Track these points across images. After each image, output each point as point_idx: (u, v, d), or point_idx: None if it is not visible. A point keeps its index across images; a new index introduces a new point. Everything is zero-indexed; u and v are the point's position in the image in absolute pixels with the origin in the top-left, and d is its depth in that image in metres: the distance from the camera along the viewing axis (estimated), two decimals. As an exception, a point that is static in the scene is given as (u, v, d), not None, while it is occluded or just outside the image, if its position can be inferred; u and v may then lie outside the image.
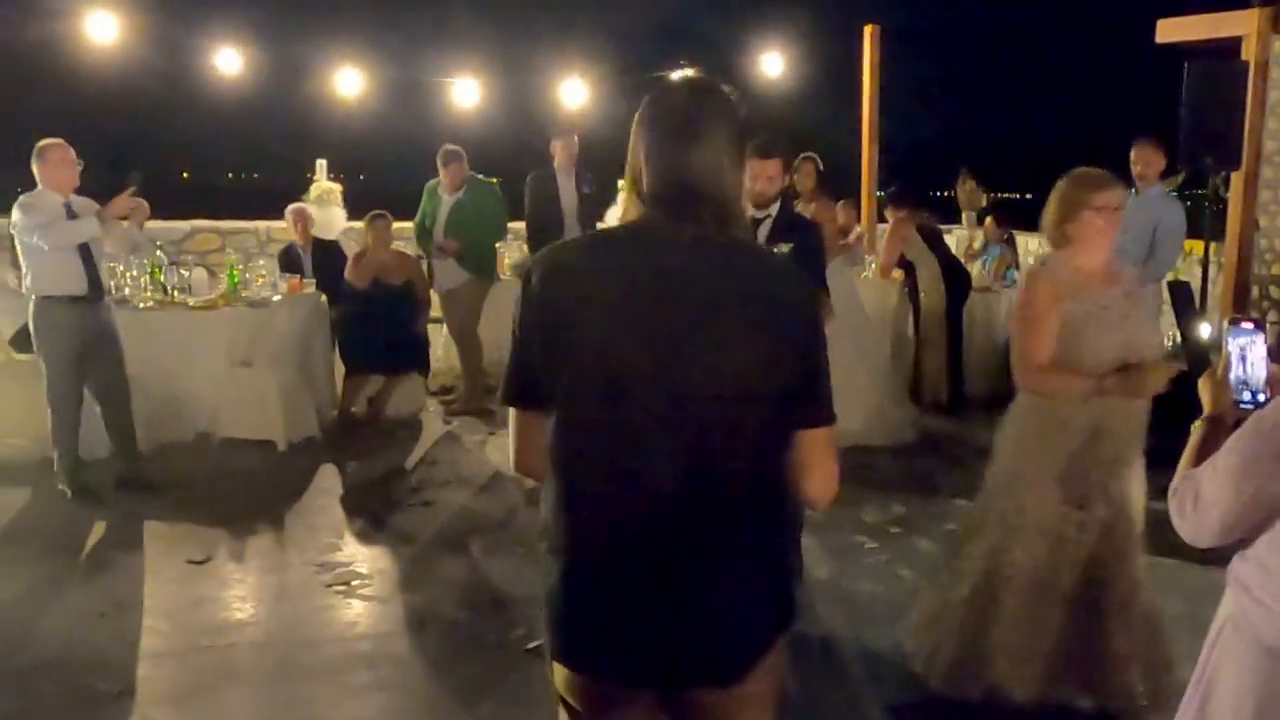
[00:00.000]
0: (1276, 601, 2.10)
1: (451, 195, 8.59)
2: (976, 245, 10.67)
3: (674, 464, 1.96)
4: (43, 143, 6.19)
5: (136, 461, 6.63)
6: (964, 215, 11.97)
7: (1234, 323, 2.41)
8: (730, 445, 1.97)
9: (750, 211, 5.52)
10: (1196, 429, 2.39)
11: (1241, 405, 2.34)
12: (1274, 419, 2.08)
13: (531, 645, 4.55)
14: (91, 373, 6.36)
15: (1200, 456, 2.27)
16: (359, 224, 9.96)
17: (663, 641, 2.02)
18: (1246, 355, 2.38)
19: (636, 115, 2.11)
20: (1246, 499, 2.10)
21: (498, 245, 9.09)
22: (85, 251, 6.16)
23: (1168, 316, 6.60)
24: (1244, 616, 2.18)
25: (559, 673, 2.15)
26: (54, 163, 6.14)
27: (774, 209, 4.80)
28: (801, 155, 8.57)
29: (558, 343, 2.00)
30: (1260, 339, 2.38)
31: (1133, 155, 7.29)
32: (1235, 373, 2.38)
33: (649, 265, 2.01)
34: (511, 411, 2.15)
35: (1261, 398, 2.34)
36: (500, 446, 7.69)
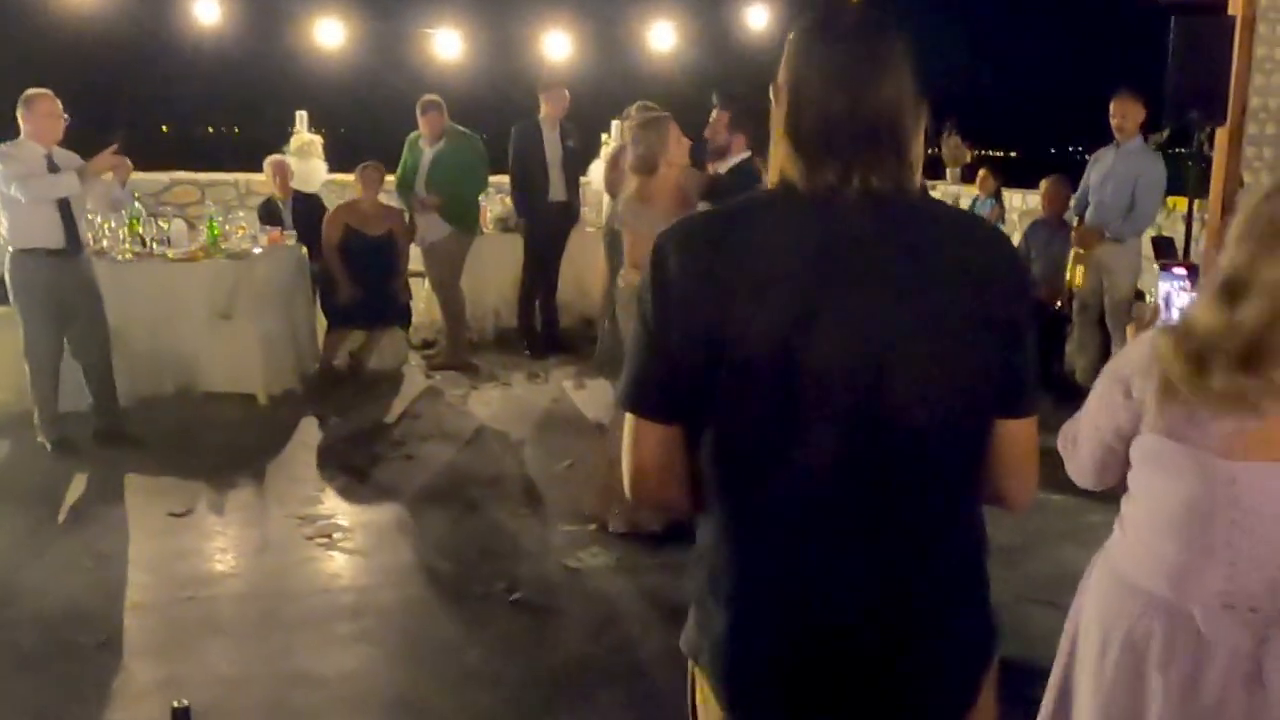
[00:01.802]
0: (1133, 530, 2.17)
1: (431, 147, 8.50)
2: (964, 202, 10.64)
3: (877, 481, 1.63)
4: (30, 92, 6.10)
5: (117, 415, 6.59)
6: (948, 171, 11.95)
7: (1164, 268, 2.41)
8: (936, 451, 1.65)
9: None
10: None
11: None
12: (1125, 358, 2.14)
13: (514, 597, 4.56)
14: (71, 326, 6.30)
15: None
16: (340, 177, 9.90)
17: (869, 700, 1.70)
18: (1172, 301, 2.37)
19: (789, 47, 1.71)
20: (1106, 437, 2.17)
21: (480, 198, 9.01)
22: (64, 205, 6.08)
23: (1150, 272, 6.61)
24: (1112, 546, 2.26)
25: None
26: (40, 114, 6.05)
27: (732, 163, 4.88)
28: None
29: (716, 342, 1.60)
30: (1188, 284, 2.37)
31: (1112, 108, 7.31)
32: (1163, 317, 2.37)
33: (829, 236, 1.62)
34: (631, 422, 1.72)
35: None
36: (484, 400, 7.69)
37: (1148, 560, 2.14)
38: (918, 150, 1.70)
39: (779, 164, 1.70)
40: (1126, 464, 2.17)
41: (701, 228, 1.71)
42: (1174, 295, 2.37)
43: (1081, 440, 2.27)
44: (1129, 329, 2.43)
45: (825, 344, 1.58)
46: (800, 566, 1.66)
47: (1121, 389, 2.12)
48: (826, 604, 1.66)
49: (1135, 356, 2.10)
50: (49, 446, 6.29)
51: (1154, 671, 2.09)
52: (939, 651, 1.71)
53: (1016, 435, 1.72)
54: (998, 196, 10.19)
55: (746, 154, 5.43)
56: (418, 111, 8.50)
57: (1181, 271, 2.40)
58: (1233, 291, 1.97)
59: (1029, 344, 1.71)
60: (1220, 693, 2.03)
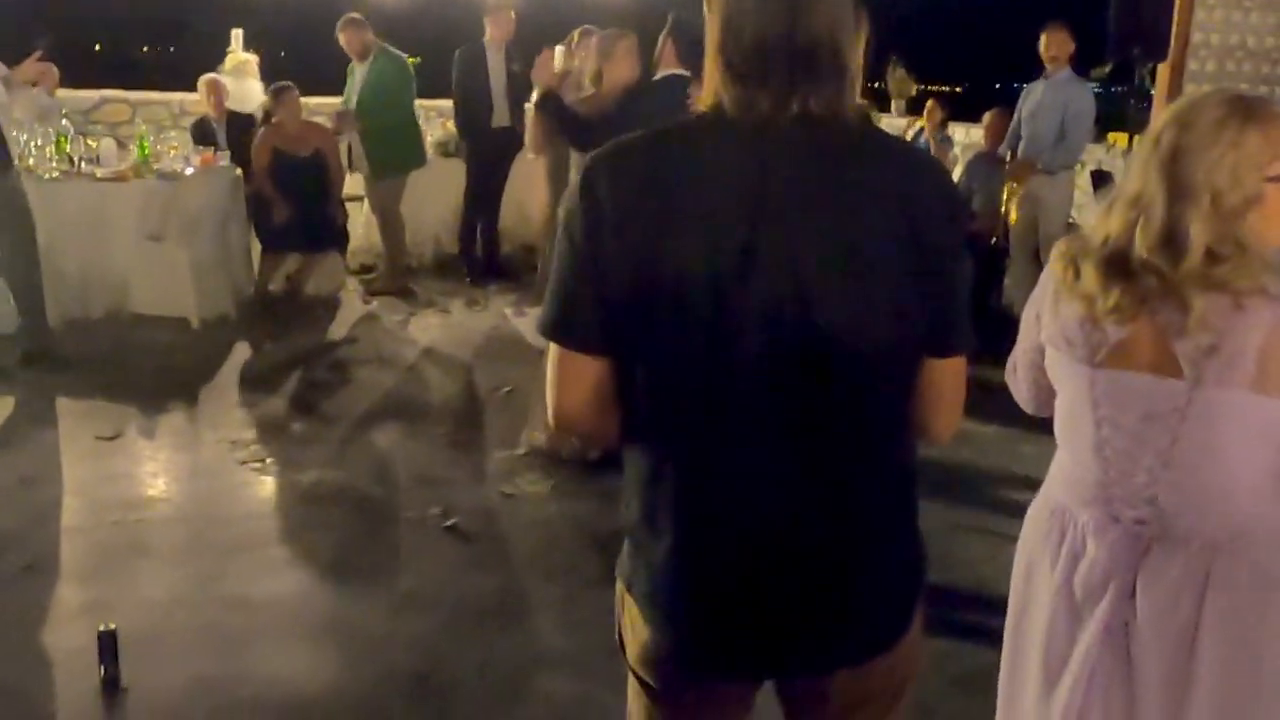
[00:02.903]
0: (1059, 450, 2.21)
1: (360, 68, 8.32)
2: (910, 135, 10.60)
3: (802, 416, 1.61)
4: None
5: (46, 336, 6.42)
6: (893, 104, 11.91)
7: (1098, 176, 2.43)
8: (865, 386, 1.62)
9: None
10: None
11: None
12: (1042, 281, 2.18)
13: (450, 523, 4.54)
14: (2, 246, 6.13)
15: None
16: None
17: (803, 627, 1.69)
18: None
19: None
20: (1033, 358, 2.22)
21: (412, 123, 8.74)
22: None
23: (1090, 207, 6.65)
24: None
25: (644, 657, 1.79)
26: None
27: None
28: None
29: (646, 271, 1.56)
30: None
31: (1042, 40, 7.31)
32: None
33: (761, 166, 1.56)
34: (556, 353, 1.67)
35: None
36: (423, 326, 7.62)
37: (1057, 473, 2.21)
38: (856, 71, 1.61)
39: (712, 86, 1.62)
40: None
41: (633, 152, 1.64)
42: None
43: (1019, 367, 2.30)
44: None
45: (756, 276, 1.55)
46: (732, 497, 1.65)
47: (1035, 309, 2.18)
48: (760, 532, 1.65)
49: (1048, 278, 2.15)
50: (-15, 371, 6.14)
51: (1049, 572, 2.16)
52: (872, 577, 1.71)
53: (944, 372, 1.69)
54: (944, 127, 10.11)
55: (680, 70, 5.09)
56: (338, 31, 8.30)
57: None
58: (1111, 203, 2.03)
59: (960, 283, 1.68)
60: (1095, 598, 2.07)
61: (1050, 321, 2.11)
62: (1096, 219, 2.06)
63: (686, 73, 4.98)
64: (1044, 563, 2.18)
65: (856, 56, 1.61)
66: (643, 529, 1.72)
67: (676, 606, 1.71)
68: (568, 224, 1.62)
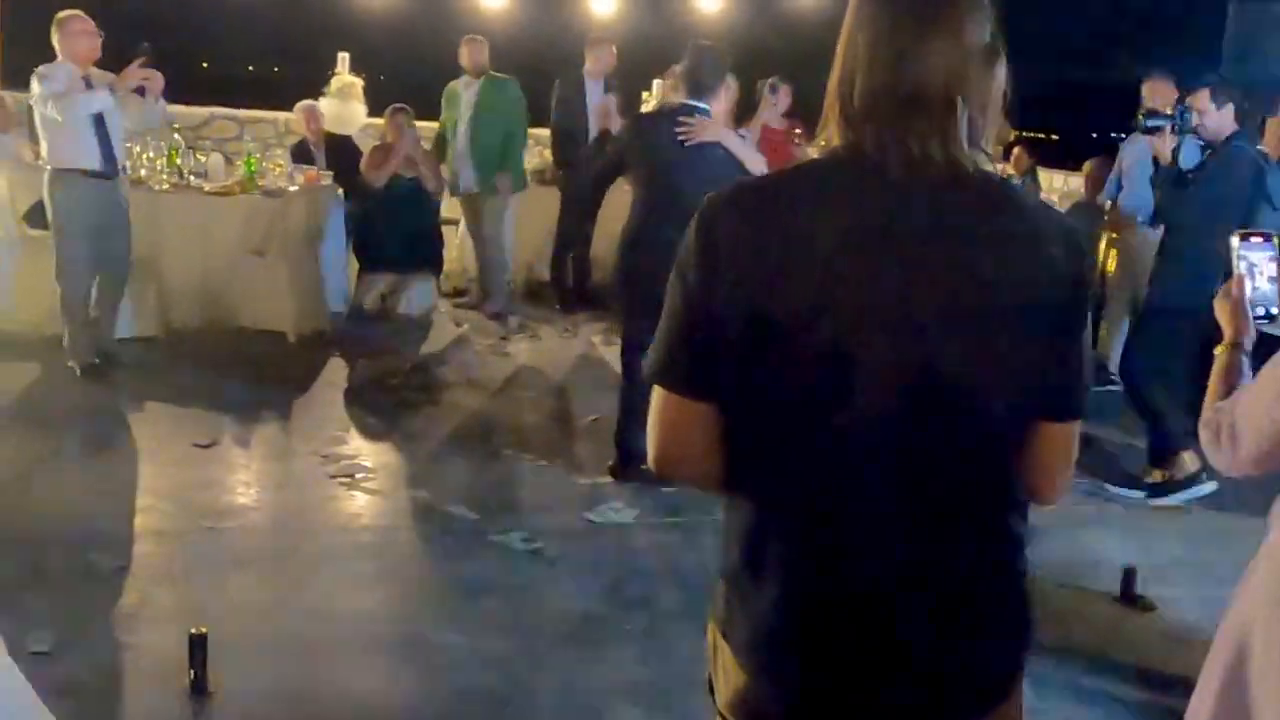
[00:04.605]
0: None
1: (467, 91, 8.47)
2: (1002, 179, 10.50)
3: (917, 470, 1.56)
4: (62, 14, 6.13)
5: (106, 342, 6.58)
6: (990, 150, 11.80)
7: (1243, 238, 2.34)
8: (981, 443, 1.58)
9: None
10: (1220, 354, 2.31)
11: (1258, 321, 2.27)
12: None
13: (532, 547, 4.57)
14: (102, 249, 6.33)
15: (1225, 382, 2.22)
16: (375, 121, 9.87)
17: (909, 683, 1.64)
18: (1257, 270, 2.31)
19: (851, 5, 1.60)
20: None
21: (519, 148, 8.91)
22: (101, 126, 6.09)
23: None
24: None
25: (737, 704, 1.71)
26: (73, 33, 6.07)
27: None
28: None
29: (757, 318, 1.51)
30: (1269, 252, 2.31)
31: (1145, 90, 7.13)
32: (1248, 289, 2.31)
33: (879, 211, 1.52)
34: (660, 396, 1.63)
35: (1275, 311, 2.27)
36: (513, 351, 7.69)
37: None
38: (983, 119, 1.56)
39: (830, 130, 1.60)
40: None
41: (752, 194, 1.61)
42: (1258, 264, 2.30)
43: (1248, 430, 2.12)
44: (1217, 303, 2.34)
45: (876, 325, 1.50)
46: (842, 550, 1.60)
47: None
48: (870, 587, 1.60)
49: None
50: (78, 370, 6.33)
51: None
52: (980, 639, 1.66)
53: (1057, 437, 1.63)
54: (1033, 175, 10.05)
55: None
56: (461, 45, 8.49)
57: (1258, 239, 2.33)
58: None
59: (1083, 347, 1.61)
60: None
61: None
62: None
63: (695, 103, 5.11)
64: None
65: (982, 101, 1.56)
66: (744, 577, 1.66)
67: (780, 659, 1.65)
68: (681, 265, 1.59)
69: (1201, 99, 5.45)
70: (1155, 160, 6.12)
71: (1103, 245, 7.38)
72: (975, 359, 1.53)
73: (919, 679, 1.64)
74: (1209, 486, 5.26)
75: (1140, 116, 5.96)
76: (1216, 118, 5.43)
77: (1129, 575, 4.40)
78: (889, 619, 1.61)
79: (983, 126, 1.57)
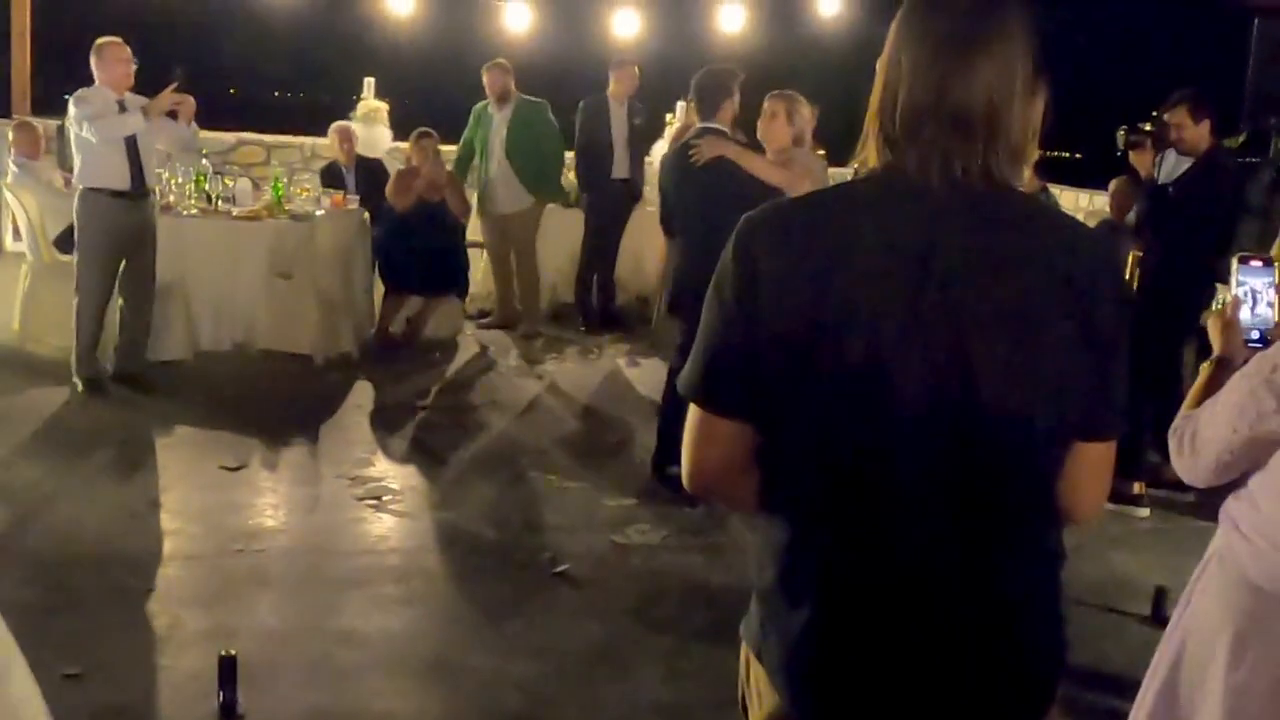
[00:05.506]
0: (1263, 539, 2.12)
1: (499, 113, 8.51)
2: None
3: (956, 490, 1.56)
4: (101, 40, 6.32)
5: (140, 362, 6.66)
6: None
7: (1243, 260, 2.35)
8: (1021, 462, 1.57)
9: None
10: (1205, 370, 2.36)
11: (1250, 345, 2.30)
12: (1275, 359, 2.07)
13: (559, 569, 4.57)
14: (125, 269, 6.42)
15: (1204, 396, 2.26)
16: (404, 144, 9.94)
17: (945, 705, 1.63)
18: (1256, 294, 2.32)
19: (894, 26, 1.59)
20: (1243, 438, 2.11)
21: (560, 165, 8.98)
22: (132, 148, 6.22)
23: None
24: (1229, 551, 2.21)
25: None
26: (110, 60, 6.24)
27: None
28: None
29: (795, 337, 1.52)
30: (1269, 278, 2.32)
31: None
32: (1244, 312, 2.33)
33: (918, 229, 1.52)
34: (696, 415, 1.63)
35: (1270, 336, 2.30)
36: (537, 372, 7.70)
37: (1251, 555, 2.13)
38: (1023, 138, 1.56)
39: (870, 150, 1.60)
40: (1249, 465, 2.15)
41: (791, 213, 1.62)
42: (1258, 289, 2.32)
43: (1207, 440, 2.19)
44: (1209, 321, 2.39)
45: (916, 344, 1.51)
46: (879, 570, 1.59)
47: (1271, 390, 2.05)
48: (907, 608, 1.59)
49: None
50: (80, 385, 6.40)
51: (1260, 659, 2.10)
52: (1017, 659, 1.65)
53: (1093, 456, 1.63)
54: (1043, 194, 10.01)
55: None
56: (483, 72, 8.52)
57: (1258, 264, 2.34)
58: None
59: (1121, 366, 1.60)
60: None
61: None
62: None
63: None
64: (1256, 649, 2.11)
65: (1023, 123, 1.56)
66: (778, 597, 1.65)
67: (815, 680, 1.64)
68: (718, 283, 1.59)
69: (1179, 114, 5.47)
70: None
71: (1129, 263, 7.34)
72: (1015, 378, 1.52)
73: (955, 702, 1.63)
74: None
75: (1121, 132, 6.00)
76: (1195, 132, 5.46)
77: (1160, 596, 4.36)
78: (925, 640, 1.60)
79: (1023, 151, 1.57)
